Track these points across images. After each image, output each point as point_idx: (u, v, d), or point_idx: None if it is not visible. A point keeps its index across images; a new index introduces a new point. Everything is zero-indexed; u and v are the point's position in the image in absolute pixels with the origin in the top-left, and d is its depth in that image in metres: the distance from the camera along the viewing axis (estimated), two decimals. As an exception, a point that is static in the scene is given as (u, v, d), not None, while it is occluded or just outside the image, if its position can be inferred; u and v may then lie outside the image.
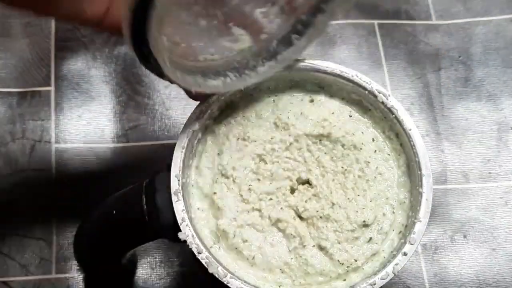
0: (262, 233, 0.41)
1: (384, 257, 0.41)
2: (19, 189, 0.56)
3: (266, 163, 0.43)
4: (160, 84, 0.62)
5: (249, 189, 0.42)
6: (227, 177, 0.42)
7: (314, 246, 0.41)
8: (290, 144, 0.43)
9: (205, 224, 0.42)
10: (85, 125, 0.60)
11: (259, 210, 0.41)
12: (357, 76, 0.44)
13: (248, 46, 0.40)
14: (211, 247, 0.41)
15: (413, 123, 0.43)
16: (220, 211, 0.41)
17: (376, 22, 0.66)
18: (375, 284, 0.39)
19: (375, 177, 0.43)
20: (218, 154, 0.43)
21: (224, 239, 0.41)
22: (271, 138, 0.43)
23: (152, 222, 0.40)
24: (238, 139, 0.43)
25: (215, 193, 0.42)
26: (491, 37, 0.66)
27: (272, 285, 0.40)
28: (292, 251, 0.41)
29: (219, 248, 0.41)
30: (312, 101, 0.46)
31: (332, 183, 0.42)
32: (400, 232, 0.42)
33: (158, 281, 0.54)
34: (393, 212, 0.42)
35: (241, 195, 0.42)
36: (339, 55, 0.64)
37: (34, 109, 0.60)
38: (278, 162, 0.43)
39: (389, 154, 0.44)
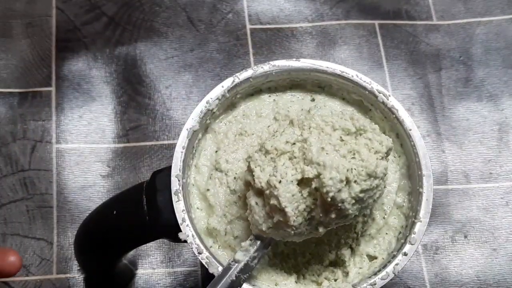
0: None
1: (383, 258, 0.41)
2: (20, 189, 0.57)
3: None
4: (161, 84, 0.62)
5: (235, 177, 0.42)
6: (221, 171, 0.42)
7: None
8: None
9: (204, 223, 0.42)
10: (86, 125, 0.60)
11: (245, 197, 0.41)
12: (357, 76, 0.44)
13: None
14: (211, 246, 0.41)
15: (413, 123, 0.43)
16: (211, 209, 0.41)
17: (376, 22, 0.66)
18: (375, 284, 0.39)
19: None
20: (216, 151, 0.43)
21: (218, 237, 0.41)
22: (268, 126, 0.43)
23: (152, 223, 0.40)
24: (236, 135, 0.43)
25: (208, 190, 0.42)
26: (492, 37, 0.66)
27: (270, 285, 0.40)
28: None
29: (218, 248, 0.41)
30: (313, 100, 0.46)
31: None
32: (400, 233, 0.42)
33: (159, 281, 0.54)
34: (384, 218, 0.42)
35: (229, 187, 0.42)
36: (339, 55, 0.64)
37: (35, 109, 0.60)
38: None
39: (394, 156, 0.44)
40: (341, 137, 0.38)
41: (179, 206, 0.40)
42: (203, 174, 0.43)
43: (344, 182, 0.35)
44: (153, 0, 0.66)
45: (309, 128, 0.38)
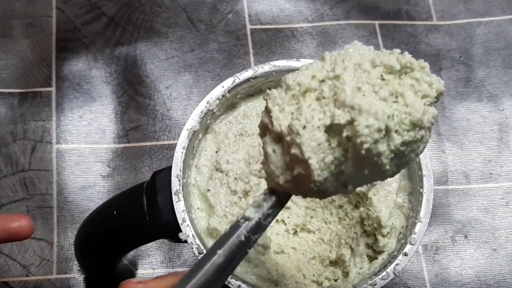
0: None
1: (383, 259, 0.41)
2: (20, 189, 0.57)
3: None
4: (161, 85, 0.62)
5: (235, 178, 0.42)
6: (221, 171, 0.42)
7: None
8: None
9: (205, 223, 0.42)
10: (86, 126, 0.60)
11: (245, 197, 0.41)
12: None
13: None
14: (211, 247, 0.41)
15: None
16: (212, 209, 0.41)
17: (377, 22, 0.66)
18: (375, 284, 0.39)
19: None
20: (217, 151, 0.43)
21: (218, 237, 0.41)
22: None
23: (153, 223, 0.40)
24: (236, 135, 0.43)
25: (208, 190, 0.42)
26: (492, 38, 0.66)
27: (270, 285, 0.40)
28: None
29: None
30: None
31: None
32: (401, 233, 0.42)
33: (159, 282, 0.54)
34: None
35: (230, 188, 0.42)
36: (340, 56, 0.64)
37: (35, 109, 0.60)
38: None
39: None
40: (382, 75, 0.30)
41: (179, 206, 0.40)
42: (203, 174, 0.43)
43: (383, 132, 0.29)
44: (153, 0, 0.66)
45: (343, 62, 0.31)
